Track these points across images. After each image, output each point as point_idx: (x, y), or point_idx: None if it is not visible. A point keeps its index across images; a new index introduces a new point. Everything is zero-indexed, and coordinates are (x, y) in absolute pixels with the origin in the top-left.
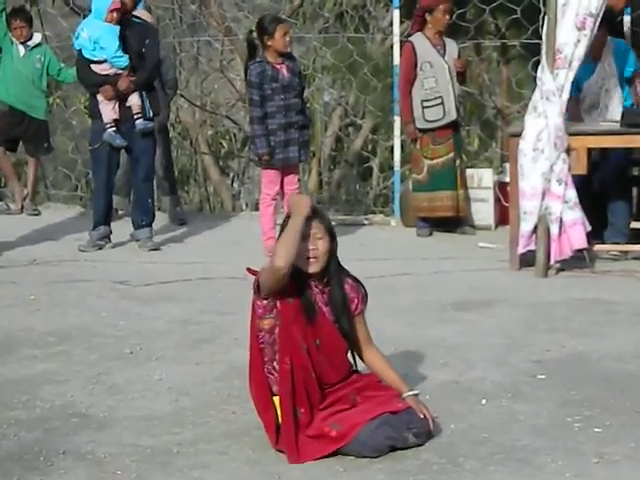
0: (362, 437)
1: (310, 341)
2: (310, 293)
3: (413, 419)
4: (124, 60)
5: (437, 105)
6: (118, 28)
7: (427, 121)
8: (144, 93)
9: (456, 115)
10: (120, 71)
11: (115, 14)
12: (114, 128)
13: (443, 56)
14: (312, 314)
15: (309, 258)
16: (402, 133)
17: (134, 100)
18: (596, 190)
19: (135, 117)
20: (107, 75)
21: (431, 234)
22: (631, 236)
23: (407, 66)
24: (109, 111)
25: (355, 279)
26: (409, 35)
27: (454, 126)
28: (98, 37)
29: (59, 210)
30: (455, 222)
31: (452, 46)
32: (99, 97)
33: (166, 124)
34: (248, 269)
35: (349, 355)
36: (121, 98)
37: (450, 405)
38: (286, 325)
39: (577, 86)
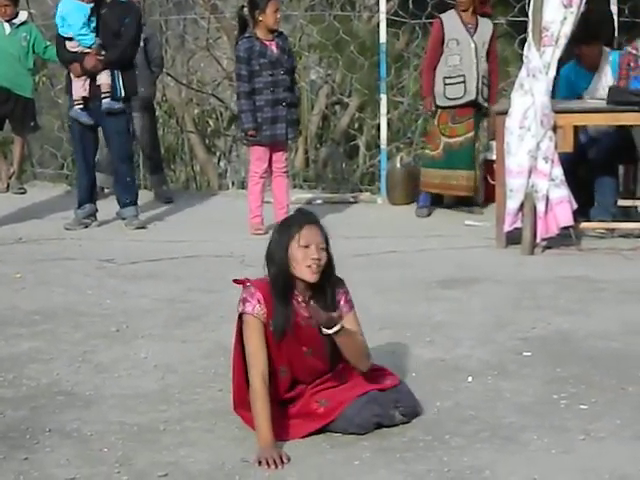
0: (349, 414)
1: (299, 352)
2: (290, 310)
3: (401, 397)
4: (89, 39)
5: (459, 83)
6: (89, 6)
7: (447, 98)
8: (118, 72)
9: (476, 96)
10: (87, 50)
11: None
12: (81, 105)
13: (472, 35)
14: (280, 335)
15: (311, 267)
16: (388, 112)
17: (103, 79)
18: (583, 167)
19: (102, 96)
20: (76, 52)
21: (429, 214)
22: (617, 214)
23: (433, 42)
24: (78, 88)
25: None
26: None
27: (476, 106)
28: (66, 14)
29: (45, 188)
30: (463, 202)
31: (486, 26)
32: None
33: (152, 102)
34: (235, 280)
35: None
36: (92, 76)
37: (436, 383)
38: (271, 349)
39: (572, 90)
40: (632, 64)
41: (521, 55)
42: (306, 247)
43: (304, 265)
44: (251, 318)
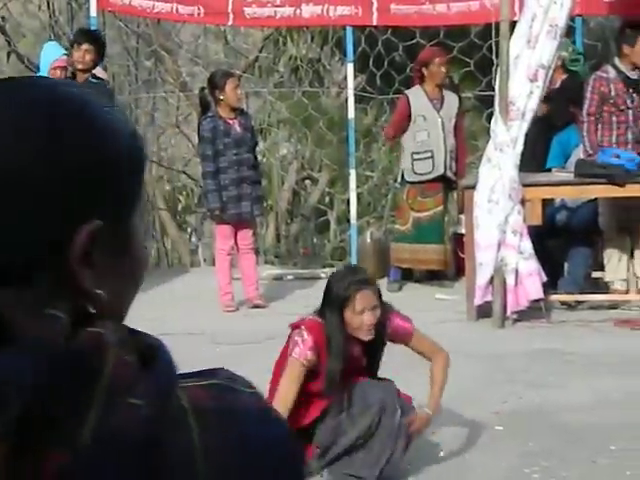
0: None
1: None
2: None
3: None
4: None
5: (427, 159)
6: None
7: (416, 174)
8: None
9: (444, 170)
10: None
11: (59, 72)
12: None
13: (439, 110)
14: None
15: (367, 330)
16: (358, 186)
17: None
18: (554, 239)
19: None
20: None
21: (400, 289)
22: (585, 286)
23: (397, 116)
24: None
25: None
26: (408, 88)
27: (444, 181)
28: None
29: None
30: (434, 275)
31: (452, 100)
32: None
33: None
34: (291, 325)
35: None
36: None
37: (408, 457)
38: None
39: (564, 152)
40: (603, 89)
41: (489, 129)
42: (361, 313)
43: (359, 330)
44: (296, 362)
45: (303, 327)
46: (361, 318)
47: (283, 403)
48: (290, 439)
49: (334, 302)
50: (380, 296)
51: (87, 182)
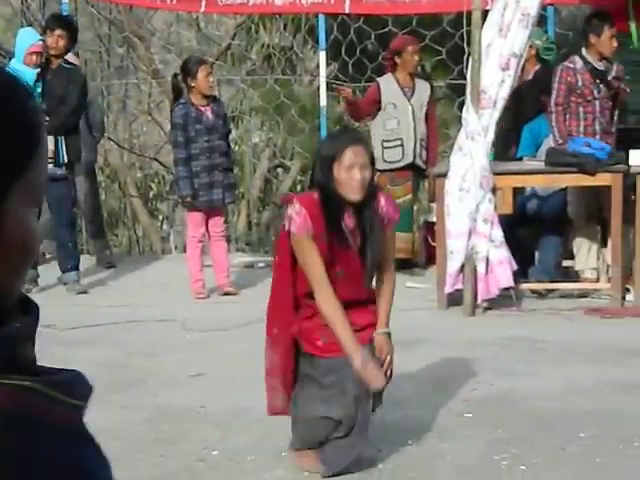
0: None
1: (332, 272)
2: (341, 225)
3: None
4: None
5: (397, 147)
6: (34, 72)
7: (386, 162)
8: (61, 138)
9: (414, 158)
10: None
11: (35, 57)
12: None
13: (410, 98)
14: (341, 247)
15: (356, 187)
16: None
17: None
18: (525, 227)
19: None
20: None
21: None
22: (555, 274)
23: (366, 100)
24: None
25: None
26: (380, 76)
27: (414, 169)
28: None
29: None
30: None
31: (423, 89)
32: None
33: (93, 167)
34: (282, 199)
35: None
36: None
37: (377, 445)
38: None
39: (535, 141)
40: (570, 79)
41: (460, 117)
42: (350, 168)
43: (348, 187)
44: (300, 238)
45: (295, 200)
46: (350, 173)
47: (320, 279)
48: (83, 465)
49: (324, 160)
50: (373, 159)
51: None
